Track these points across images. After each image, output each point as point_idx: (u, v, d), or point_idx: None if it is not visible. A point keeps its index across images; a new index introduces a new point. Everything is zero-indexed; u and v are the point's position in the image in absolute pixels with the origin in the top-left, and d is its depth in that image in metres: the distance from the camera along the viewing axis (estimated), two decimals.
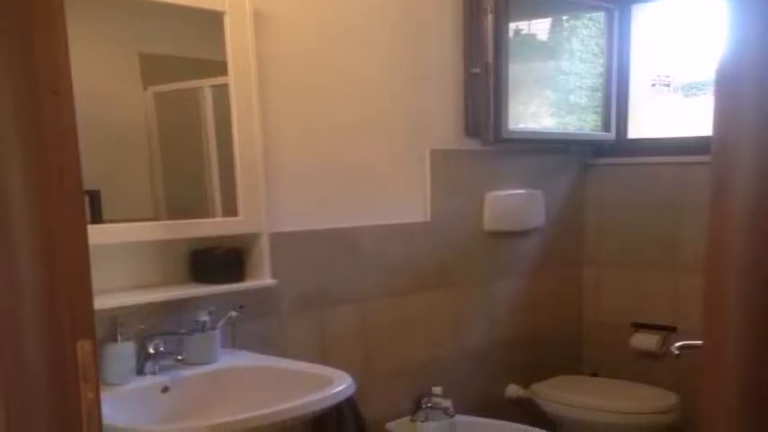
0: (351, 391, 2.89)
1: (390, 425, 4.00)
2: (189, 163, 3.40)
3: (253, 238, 3.34)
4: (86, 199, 2.66)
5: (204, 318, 3.12)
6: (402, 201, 4.09)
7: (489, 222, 4.48)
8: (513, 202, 4.62)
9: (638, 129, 5.07)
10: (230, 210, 3.30)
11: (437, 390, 4.11)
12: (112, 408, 2.49)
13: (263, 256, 3.35)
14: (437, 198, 4.21)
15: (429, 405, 4.07)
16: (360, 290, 3.89)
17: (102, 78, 3.02)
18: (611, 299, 5.15)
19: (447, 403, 4.06)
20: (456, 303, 4.41)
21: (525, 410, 4.61)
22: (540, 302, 4.94)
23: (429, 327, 4.26)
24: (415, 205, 4.14)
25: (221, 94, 3.26)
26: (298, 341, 3.63)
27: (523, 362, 4.84)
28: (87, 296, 1.44)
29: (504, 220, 4.57)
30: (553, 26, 4.81)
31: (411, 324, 4.16)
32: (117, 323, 2.87)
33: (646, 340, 4.90)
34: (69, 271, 1.40)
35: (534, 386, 4.68)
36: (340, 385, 2.86)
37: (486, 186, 4.48)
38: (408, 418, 4.06)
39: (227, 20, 3.21)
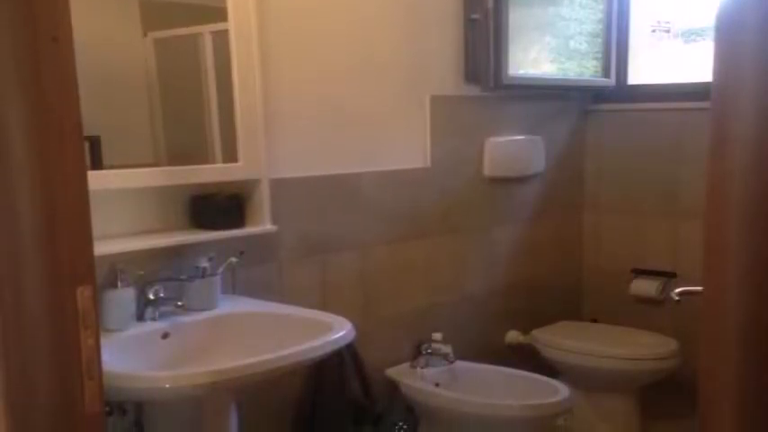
0: (351, 338, 2.90)
1: (390, 371, 4.02)
2: (189, 109, 3.39)
3: (253, 184, 3.34)
4: (86, 145, 2.65)
5: (204, 264, 3.12)
6: (402, 147, 4.08)
7: (489, 168, 4.48)
8: (512, 148, 4.61)
9: (638, 75, 5.06)
10: (230, 156, 3.30)
11: (437, 336, 4.13)
12: (112, 354, 2.50)
13: (262, 203, 3.35)
14: (437, 144, 4.20)
15: (429, 351, 4.09)
16: (360, 236, 3.90)
17: (102, 25, 3.01)
18: (611, 245, 5.16)
19: (447, 349, 4.09)
20: (456, 249, 4.42)
21: (525, 356, 4.63)
22: (540, 249, 4.95)
23: (429, 273, 4.27)
24: (415, 151, 4.13)
25: (221, 40, 3.25)
26: (298, 287, 3.64)
27: (523, 308, 4.86)
28: (87, 242, 1.44)
29: (504, 167, 4.57)
30: None
31: (411, 270, 4.17)
32: (117, 269, 2.87)
33: (646, 286, 4.91)
34: (69, 217, 1.40)
35: (534, 332, 4.70)
36: (340, 331, 2.86)
37: (486, 132, 4.47)
38: (408, 363, 4.09)
39: None
